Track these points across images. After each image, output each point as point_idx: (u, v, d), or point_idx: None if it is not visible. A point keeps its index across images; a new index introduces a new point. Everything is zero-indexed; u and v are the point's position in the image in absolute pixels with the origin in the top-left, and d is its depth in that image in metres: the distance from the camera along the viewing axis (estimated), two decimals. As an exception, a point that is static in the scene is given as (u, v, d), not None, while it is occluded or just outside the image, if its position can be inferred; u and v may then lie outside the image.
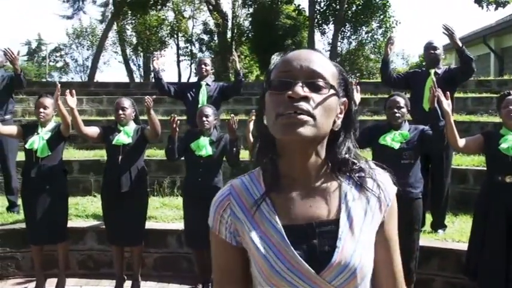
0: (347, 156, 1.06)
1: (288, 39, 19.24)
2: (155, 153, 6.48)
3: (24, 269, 4.81)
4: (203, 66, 5.46)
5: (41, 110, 4.21)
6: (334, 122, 1.03)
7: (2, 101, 5.45)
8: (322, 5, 17.43)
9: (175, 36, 25.53)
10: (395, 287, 1.10)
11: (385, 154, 3.67)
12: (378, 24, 17.51)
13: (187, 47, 26.24)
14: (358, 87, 3.93)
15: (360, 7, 16.96)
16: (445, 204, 4.68)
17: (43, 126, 4.24)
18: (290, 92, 0.95)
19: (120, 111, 4.28)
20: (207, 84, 5.38)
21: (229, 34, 23.04)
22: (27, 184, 4.31)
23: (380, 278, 1.09)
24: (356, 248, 1.00)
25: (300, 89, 0.95)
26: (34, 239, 4.29)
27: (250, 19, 21.13)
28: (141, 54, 24.72)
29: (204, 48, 25.42)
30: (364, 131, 3.97)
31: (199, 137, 4.19)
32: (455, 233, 4.48)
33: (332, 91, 1.00)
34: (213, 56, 25.60)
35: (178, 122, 4.05)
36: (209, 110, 4.27)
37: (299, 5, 19.08)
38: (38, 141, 4.15)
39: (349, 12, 17.06)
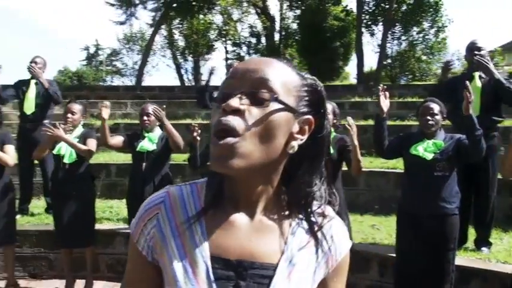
0: (308, 191, 0.88)
1: (336, 41, 18.83)
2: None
3: (56, 269, 4.89)
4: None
5: (69, 115, 4.24)
6: (289, 141, 0.84)
7: (43, 106, 5.61)
8: (370, 5, 16.93)
9: (223, 39, 25.70)
10: None
11: (416, 165, 3.41)
12: (430, 24, 16.75)
13: (234, 50, 26.33)
14: (387, 93, 3.65)
15: (410, 6, 16.30)
16: (490, 219, 4.21)
17: (70, 133, 4.25)
18: (224, 104, 0.79)
19: (145, 117, 4.25)
20: None
21: (276, 37, 22.96)
22: (54, 189, 4.37)
23: None
24: None
25: (235, 101, 0.79)
26: (62, 242, 4.33)
27: (297, 21, 20.89)
28: (190, 58, 25.02)
29: (251, 51, 25.37)
30: (395, 140, 3.69)
31: None
32: (502, 252, 4.05)
33: (278, 105, 0.81)
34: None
35: (199, 130, 3.95)
36: None
37: (347, 6, 18.62)
38: (65, 146, 4.18)
39: (399, 12, 16.45)
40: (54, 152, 4.20)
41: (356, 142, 3.42)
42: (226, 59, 26.23)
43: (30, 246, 4.91)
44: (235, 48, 26.41)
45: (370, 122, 8.22)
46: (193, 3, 18.18)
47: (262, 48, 24.81)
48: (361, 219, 5.25)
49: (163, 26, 22.39)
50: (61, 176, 4.22)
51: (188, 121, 8.96)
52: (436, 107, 3.45)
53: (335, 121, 3.73)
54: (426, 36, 17.05)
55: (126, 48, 28.05)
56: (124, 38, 27.41)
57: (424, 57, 17.31)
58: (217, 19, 25.02)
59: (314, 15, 18.35)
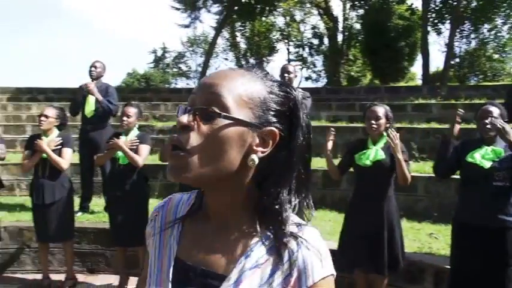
0: (276, 208, 0.85)
1: (400, 40, 18.24)
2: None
3: (113, 265, 5.05)
4: (286, 74, 5.27)
5: (124, 118, 4.37)
6: (248, 154, 0.83)
7: (102, 109, 5.85)
8: (437, 3, 16.26)
9: (285, 41, 25.70)
10: None
11: (473, 174, 3.17)
12: (503, 20, 15.82)
13: (297, 52, 26.23)
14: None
15: (481, 2, 15.46)
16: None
17: (126, 134, 4.40)
18: (177, 120, 0.83)
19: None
20: None
21: (339, 37, 22.64)
22: (109, 189, 4.54)
23: None
24: None
25: (184, 117, 0.82)
26: (116, 240, 4.49)
27: (361, 21, 20.48)
28: (251, 60, 25.22)
29: (313, 53, 25.19)
30: (451, 155, 3.45)
31: None
32: None
33: (227, 121, 0.81)
34: (324, 60, 25.39)
35: None
36: None
37: (412, 4, 17.99)
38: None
39: (468, 8, 15.67)
40: None
41: (399, 155, 3.29)
42: (289, 60, 26.21)
43: (89, 242, 5.12)
44: (297, 49, 26.35)
45: (434, 125, 7.88)
46: (255, 5, 18.31)
47: (325, 49, 24.56)
48: (419, 226, 5.02)
49: (225, 29, 22.74)
50: (116, 176, 4.38)
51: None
52: (495, 110, 3.20)
53: (388, 125, 3.57)
54: (499, 34, 16.14)
55: (189, 51, 28.75)
56: (188, 40, 28.11)
57: (496, 56, 16.40)
58: (280, 21, 25.09)
59: (378, 15, 17.92)
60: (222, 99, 0.81)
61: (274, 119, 0.85)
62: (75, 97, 6.01)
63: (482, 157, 3.14)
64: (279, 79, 0.92)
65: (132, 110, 4.44)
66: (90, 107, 5.85)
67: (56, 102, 10.57)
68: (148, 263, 0.96)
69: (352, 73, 24.21)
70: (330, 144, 3.74)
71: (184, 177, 0.81)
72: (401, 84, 17.69)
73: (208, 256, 0.87)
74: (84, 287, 4.76)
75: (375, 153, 3.48)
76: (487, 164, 3.11)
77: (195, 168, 0.80)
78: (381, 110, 3.54)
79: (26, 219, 5.13)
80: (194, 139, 0.81)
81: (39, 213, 4.50)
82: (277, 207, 0.85)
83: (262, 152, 0.84)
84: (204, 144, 0.80)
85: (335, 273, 0.87)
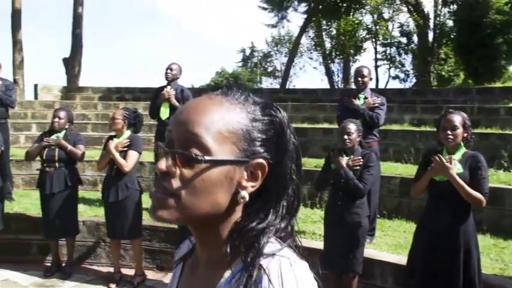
0: (254, 235, 0.77)
1: (498, 37, 16.88)
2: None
3: (181, 265, 5.15)
4: (360, 78, 5.02)
5: None
6: (237, 192, 0.78)
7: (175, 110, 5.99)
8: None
9: (372, 40, 24.94)
10: None
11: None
12: None
13: (385, 51, 25.39)
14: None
15: None
16: None
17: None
18: (156, 167, 0.78)
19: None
20: (365, 97, 4.96)
21: (430, 35, 21.54)
22: None
23: None
24: None
25: (162, 164, 0.76)
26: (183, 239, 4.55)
27: (453, 17, 19.28)
28: (337, 59, 24.78)
29: (402, 51, 24.21)
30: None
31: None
32: None
33: (207, 164, 0.75)
34: (413, 59, 24.33)
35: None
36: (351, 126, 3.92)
37: (512, -3, 16.60)
38: None
39: None
40: None
41: (457, 179, 3.08)
42: (376, 59, 25.46)
43: (159, 241, 5.27)
44: (385, 48, 25.52)
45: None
46: (341, 3, 17.93)
47: (414, 48, 23.52)
48: (504, 244, 4.54)
49: (310, 28, 22.54)
50: None
51: (325, 125, 8.83)
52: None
53: (465, 135, 3.26)
54: None
55: (274, 51, 28.92)
56: (272, 40, 28.28)
57: None
58: (367, 19, 24.41)
59: (472, 10, 16.74)
60: (200, 140, 0.75)
61: (261, 149, 0.78)
62: (154, 100, 6.17)
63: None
64: (260, 100, 0.82)
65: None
66: (165, 108, 5.99)
67: (142, 101, 11.10)
68: None
69: (443, 73, 22.93)
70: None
71: (163, 218, 0.77)
72: (497, 85, 16.38)
73: None
74: (153, 283, 4.90)
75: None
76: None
77: (175, 211, 0.76)
78: (458, 118, 3.23)
79: (103, 214, 5.38)
80: (174, 183, 0.75)
81: (110, 211, 4.72)
82: (255, 233, 0.77)
83: (252, 187, 0.78)
84: (188, 189, 0.75)
85: None
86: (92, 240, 5.41)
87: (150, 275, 5.06)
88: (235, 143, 0.77)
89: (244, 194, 0.78)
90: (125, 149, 4.60)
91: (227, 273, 0.77)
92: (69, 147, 4.87)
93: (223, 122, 0.76)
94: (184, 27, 78.57)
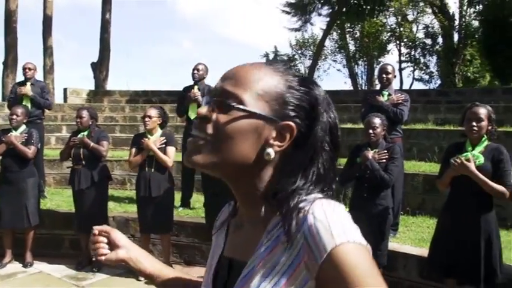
0: (288, 197, 0.83)
1: (525, 37, 16.66)
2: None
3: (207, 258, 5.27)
4: (384, 75, 5.10)
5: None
6: (264, 148, 0.84)
7: None
8: None
9: (396, 41, 24.80)
10: None
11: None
12: None
13: (409, 53, 25.21)
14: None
15: None
16: None
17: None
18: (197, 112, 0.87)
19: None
20: (389, 94, 5.04)
21: (455, 36, 21.34)
22: (209, 188, 4.82)
23: None
24: None
25: (203, 109, 0.86)
26: (209, 234, 4.69)
27: (479, 18, 19.06)
28: (360, 62, 24.71)
29: (426, 53, 24.00)
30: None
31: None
32: None
33: (241, 113, 0.83)
34: (437, 61, 24.09)
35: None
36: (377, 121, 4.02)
37: (540, -3, 16.35)
38: None
39: None
40: None
41: (479, 175, 3.15)
42: (400, 61, 25.30)
43: (187, 236, 5.42)
44: (409, 50, 25.33)
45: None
46: (364, 6, 17.92)
47: (439, 49, 23.30)
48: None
49: (334, 31, 22.56)
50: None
51: (349, 125, 8.87)
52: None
53: (490, 127, 3.31)
54: None
55: (298, 54, 28.95)
56: (296, 43, 28.32)
57: None
58: (391, 21, 24.29)
59: (499, 10, 16.55)
60: (238, 92, 0.84)
61: (292, 114, 0.85)
62: (183, 100, 6.34)
63: None
64: (302, 75, 0.92)
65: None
66: (193, 108, 6.17)
67: (168, 104, 11.32)
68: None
69: (469, 74, 22.63)
70: None
71: (196, 161, 0.85)
72: (524, 85, 16.12)
73: (238, 247, 0.92)
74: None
75: (473, 158, 3.25)
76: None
77: (207, 155, 0.84)
78: (483, 111, 3.29)
79: (133, 210, 5.55)
80: (210, 128, 0.84)
81: (144, 206, 4.88)
82: (286, 194, 0.83)
83: (279, 146, 0.84)
84: (219, 134, 0.83)
85: (360, 241, 0.77)
86: (121, 236, 5.58)
87: (178, 269, 5.20)
88: (268, 102, 0.84)
89: (270, 151, 0.84)
90: (163, 145, 4.78)
91: (269, 226, 0.85)
92: (92, 144, 5.06)
93: (262, 83, 0.85)
94: (206, 32, 79.27)
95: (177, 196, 6.29)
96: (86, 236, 5.29)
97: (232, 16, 74.12)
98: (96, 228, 1.12)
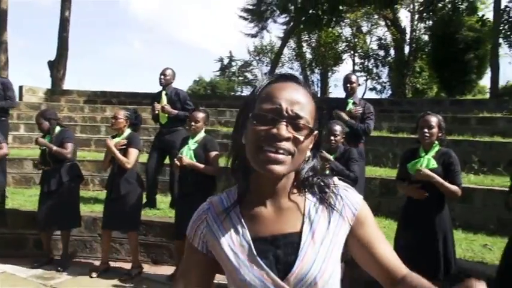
0: (311, 174, 1.14)
1: (469, 53, 17.73)
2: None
3: (175, 258, 5.37)
4: (348, 84, 5.42)
5: (192, 123, 4.69)
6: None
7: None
8: (510, 14, 15.66)
9: (351, 52, 25.63)
10: (394, 271, 1.15)
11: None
12: None
13: (363, 63, 26.10)
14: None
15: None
16: None
17: (192, 138, 4.72)
18: (275, 131, 1.03)
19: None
20: (354, 103, 5.34)
21: (406, 49, 22.31)
22: (179, 188, 4.90)
23: (375, 274, 1.16)
24: (316, 258, 1.08)
25: (285, 130, 1.03)
26: (177, 234, 4.82)
27: (429, 33, 20.10)
28: (316, 70, 25.38)
29: (379, 64, 24.95)
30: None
31: None
32: None
33: (309, 132, 1.07)
34: (389, 71, 25.07)
35: None
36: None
37: (483, 16, 17.38)
38: (186, 151, 4.63)
39: (544, 21, 15.02)
40: (179, 155, 4.68)
41: (437, 178, 3.52)
42: (354, 71, 26.11)
43: (155, 235, 5.51)
44: (362, 60, 26.21)
45: (497, 138, 7.72)
46: (322, 16, 18.47)
47: (391, 61, 24.26)
48: (474, 237, 5.00)
49: (292, 39, 23.06)
50: (185, 176, 4.71)
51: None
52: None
53: (440, 134, 3.68)
54: None
55: (256, 60, 29.29)
56: (254, 50, 28.65)
57: None
58: (346, 31, 25.09)
59: (446, 26, 17.55)
60: (306, 115, 1.07)
61: (317, 125, 1.13)
62: (152, 107, 6.40)
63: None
64: (314, 91, 1.18)
65: (200, 116, 4.72)
66: (164, 117, 6.31)
67: (129, 105, 11.31)
68: (218, 255, 1.15)
69: (418, 85, 23.73)
70: None
71: (281, 172, 1.04)
72: (469, 97, 17.15)
73: (278, 225, 1.12)
74: (148, 276, 5.12)
75: (427, 162, 3.59)
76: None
77: (289, 166, 1.06)
78: (434, 119, 3.66)
79: (100, 210, 5.58)
80: (292, 146, 1.05)
81: (108, 205, 4.97)
82: (311, 173, 1.14)
83: (309, 149, 1.12)
84: (298, 149, 1.06)
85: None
86: (89, 235, 5.62)
87: (145, 268, 5.28)
88: (314, 119, 1.11)
89: (309, 153, 1.13)
90: (123, 146, 4.87)
91: (307, 202, 1.14)
92: (54, 148, 5.09)
93: (310, 104, 1.10)
94: (159, 33, 78.48)
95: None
96: (47, 234, 5.26)
97: (187, 19, 73.83)
98: None
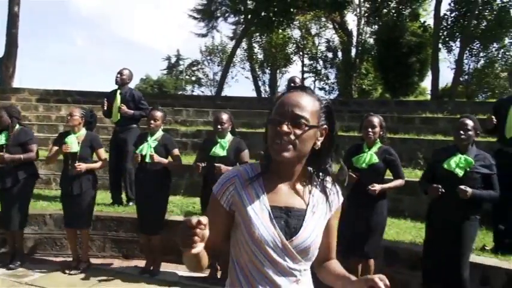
0: (322, 167, 1.50)
1: (412, 56, 18.80)
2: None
3: (144, 252, 5.56)
4: (292, 84, 5.79)
5: (151, 121, 4.90)
6: (315, 143, 1.44)
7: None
8: (449, 22, 16.83)
9: (300, 53, 26.32)
10: (329, 254, 1.62)
11: (448, 180, 3.68)
12: (511, 40, 16.40)
13: (312, 64, 26.85)
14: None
15: (491, 23, 16.04)
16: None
17: (151, 135, 4.93)
18: (279, 129, 1.38)
19: (219, 126, 4.72)
20: None
21: (353, 52, 23.21)
22: (137, 184, 5.09)
23: (321, 248, 1.54)
24: (314, 229, 1.48)
25: (285, 127, 1.37)
26: (140, 229, 5.11)
27: (374, 37, 21.06)
28: (267, 70, 25.87)
29: (328, 65, 25.78)
30: (429, 164, 4.19)
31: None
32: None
33: (308, 128, 1.39)
34: (337, 73, 25.96)
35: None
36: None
37: (425, 22, 18.54)
38: (146, 148, 4.85)
39: (478, 28, 16.23)
40: (137, 152, 4.87)
41: (388, 186, 4.16)
42: (303, 72, 26.80)
43: (125, 231, 5.70)
44: (311, 62, 26.95)
45: (439, 137, 8.40)
46: (273, 18, 18.94)
47: (338, 63, 25.13)
48: (421, 226, 5.46)
49: (244, 40, 23.40)
50: (142, 173, 4.91)
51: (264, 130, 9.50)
52: (470, 123, 3.76)
53: (381, 133, 4.21)
54: (507, 53, 16.68)
55: (207, 60, 29.39)
56: (206, 50, 28.72)
57: (503, 74, 16.91)
58: (296, 33, 25.72)
59: (391, 31, 18.50)
60: (305, 115, 1.39)
61: (325, 120, 1.46)
62: (108, 105, 6.55)
63: (457, 165, 3.70)
64: (322, 97, 1.52)
65: (158, 114, 4.94)
66: (115, 111, 6.48)
67: (83, 104, 11.26)
68: (240, 214, 1.45)
69: (364, 86, 24.78)
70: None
71: (287, 156, 1.38)
72: (411, 98, 18.20)
73: (290, 200, 1.47)
74: (120, 270, 5.29)
75: (369, 157, 4.15)
76: (461, 173, 3.67)
77: (294, 153, 1.39)
78: (376, 119, 4.19)
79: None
80: (295, 138, 1.38)
81: (67, 202, 5.05)
82: (322, 167, 1.51)
83: (319, 140, 1.45)
84: (299, 140, 1.38)
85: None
86: (59, 232, 5.69)
87: (117, 263, 5.47)
88: (317, 117, 1.42)
89: (318, 143, 1.45)
90: (87, 146, 5.00)
91: (313, 186, 1.51)
92: (22, 158, 5.10)
93: (312, 106, 1.42)
94: (103, 31, 76.71)
95: (108, 194, 6.57)
96: (10, 233, 5.22)
97: (132, 17, 72.62)
98: (194, 220, 1.13)
